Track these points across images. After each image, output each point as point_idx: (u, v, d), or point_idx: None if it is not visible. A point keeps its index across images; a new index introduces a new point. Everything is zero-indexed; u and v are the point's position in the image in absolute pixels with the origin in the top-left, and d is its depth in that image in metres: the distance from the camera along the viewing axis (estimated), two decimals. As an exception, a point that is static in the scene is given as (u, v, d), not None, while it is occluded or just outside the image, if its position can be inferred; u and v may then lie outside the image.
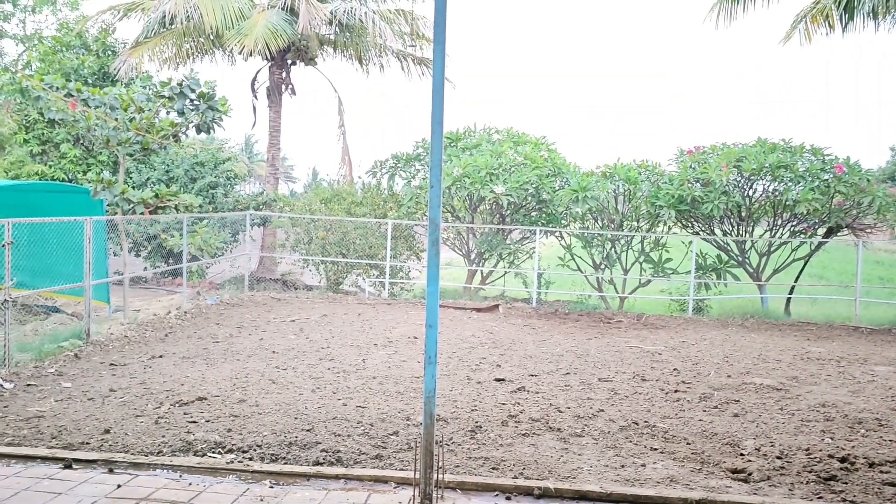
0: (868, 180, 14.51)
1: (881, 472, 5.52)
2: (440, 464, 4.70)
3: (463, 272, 16.68)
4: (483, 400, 7.19)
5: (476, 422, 6.40)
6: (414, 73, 20.41)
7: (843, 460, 5.72)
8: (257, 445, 5.57)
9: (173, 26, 18.43)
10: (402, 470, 5.13)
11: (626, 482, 5.15)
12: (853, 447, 6.09)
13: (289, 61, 20.17)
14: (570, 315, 13.50)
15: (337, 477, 5.00)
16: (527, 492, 4.84)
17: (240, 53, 18.36)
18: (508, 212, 15.38)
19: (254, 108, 20.79)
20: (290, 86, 20.38)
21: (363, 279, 16.00)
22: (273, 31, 17.72)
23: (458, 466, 5.29)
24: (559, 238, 15.76)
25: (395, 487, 4.86)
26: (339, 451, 5.48)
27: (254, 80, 20.61)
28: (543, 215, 15.41)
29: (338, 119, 21.64)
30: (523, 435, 6.13)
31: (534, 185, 14.62)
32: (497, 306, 13.79)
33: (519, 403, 7.10)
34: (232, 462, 5.21)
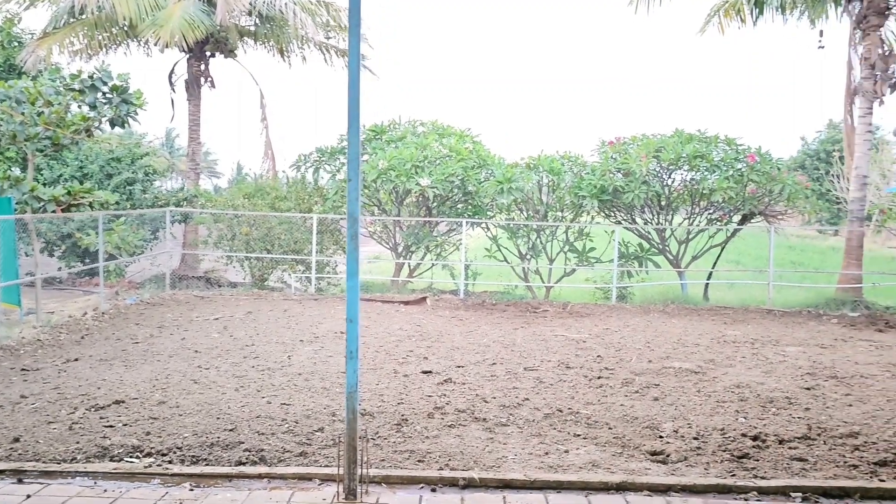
0: (779, 169, 15.15)
1: (790, 448, 5.78)
2: (365, 459, 4.67)
3: (390, 265, 16.64)
4: (410, 393, 7.19)
5: (402, 415, 6.40)
6: (337, 64, 20.22)
7: (755, 438, 5.96)
8: (177, 448, 5.42)
9: (84, 16, 17.69)
10: (327, 467, 5.08)
11: (550, 469, 5.23)
12: (765, 425, 6.35)
13: (207, 53, 19.65)
14: (497, 305, 13.63)
15: (260, 476, 4.91)
16: (452, 483, 4.86)
17: (156, 45, 17.78)
18: (435, 204, 15.41)
19: (172, 101, 20.18)
20: (210, 78, 19.87)
21: (289, 275, 15.76)
22: (190, 22, 17.22)
23: (383, 460, 5.28)
24: (485, 229, 15.88)
25: (319, 484, 4.81)
26: (262, 451, 5.39)
27: (171, 72, 19.99)
28: (469, 207, 15.50)
29: (260, 112, 21.23)
30: (449, 426, 6.15)
31: (459, 177, 14.68)
32: (425, 299, 13.82)
33: (445, 395, 7.13)
34: (150, 466, 5.06)
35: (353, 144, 4.40)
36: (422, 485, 4.84)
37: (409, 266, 16.10)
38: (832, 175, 33.13)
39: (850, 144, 16.73)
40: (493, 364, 8.64)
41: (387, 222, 15.97)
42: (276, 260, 15.57)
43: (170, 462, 5.17)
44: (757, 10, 17.29)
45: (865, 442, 5.93)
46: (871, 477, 5.19)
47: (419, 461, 5.30)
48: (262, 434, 5.78)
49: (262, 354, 8.86)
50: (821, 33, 17.12)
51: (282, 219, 15.51)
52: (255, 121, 21.45)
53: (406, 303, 13.55)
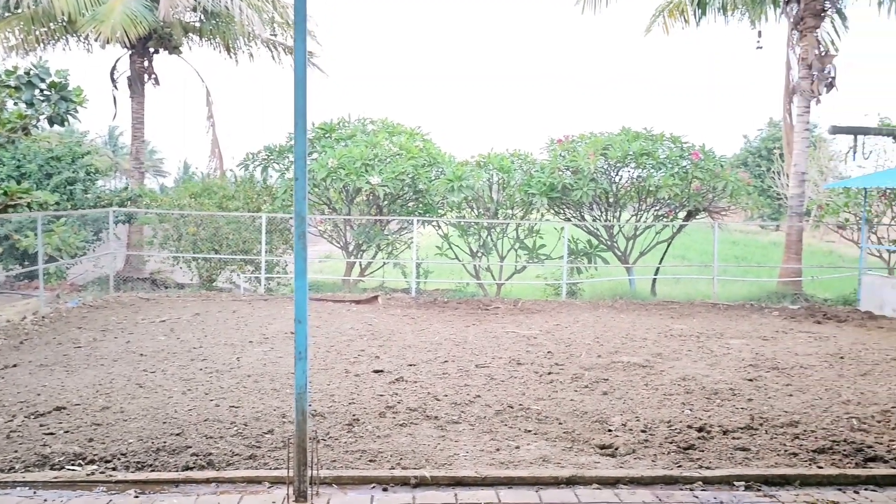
0: (722, 166, 15.52)
1: (733, 438, 5.93)
2: (315, 460, 4.63)
3: (341, 265, 16.52)
4: (361, 392, 7.15)
5: (353, 415, 6.36)
6: (285, 62, 19.97)
7: (700, 430, 6.10)
8: (122, 454, 5.29)
9: (19, 10, 17.10)
10: (277, 469, 5.02)
11: (501, 465, 5.26)
12: (709, 417, 6.50)
13: (151, 50, 19.20)
14: (448, 303, 13.66)
15: (208, 481, 4.83)
16: (403, 482, 4.85)
17: (96, 41, 17.31)
18: (385, 202, 15.35)
19: (114, 98, 19.67)
20: (154, 75, 19.42)
21: (238, 275, 15.52)
22: (132, 17, 16.80)
23: (334, 461, 5.24)
24: (436, 227, 15.89)
25: (269, 487, 4.75)
26: (210, 454, 5.29)
27: (113, 69, 19.47)
28: (420, 205, 15.49)
29: (206, 110, 20.84)
30: (401, 425, 6.14)
31: (410, 176, 14.66)
32: (376, 297, 13.76)
33: (397, 394, 7.11)
34: (93, 473, 4.92)
35: (299, 143, 4.35)
36: (373, 484, 4.83)
37: (361, 265, 16.02)
38: (773, 172, 34.08)
39: (790, 142, 17.24)
40: (445, 362, 8.65)
41: (337, 221, 15.85)
42: (225, 260, 15.32)
43: (114, 469, 5.04)
44: (700, 10, 17.69)
45: (805, 431, 6.12)
46: (810, 464, 5.36)
47: (371, 461, 5.28)
48: (210, 437, 5.68)
49: (210, 356, 8.71)
50: (759, 34, 17.60)
51: (230, 218, 15.26)
52: (202, 119, 21.00)
53: (357, 302, 13.48)
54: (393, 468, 5.12)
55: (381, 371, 8.07)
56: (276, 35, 19.67)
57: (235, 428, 5.93)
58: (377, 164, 14.65)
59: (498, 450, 5.61)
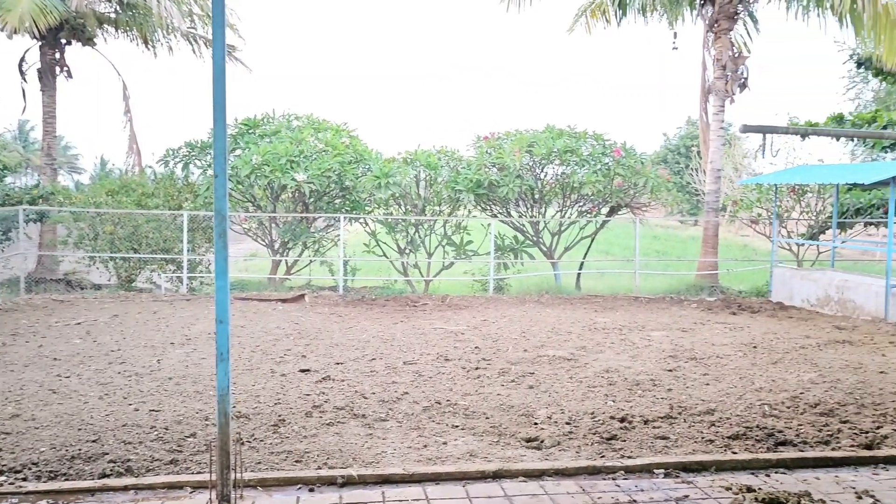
0: (642, 163, 15.96)
1: (654, 427, 6.11)
2: (239, 462, 4.54)
3: (267, 263, 16.25)
4: (287, 392, 7.05)
5: (279, 415, 6.26)
6: (206, 55, 19.45)
7: (622, 420, 6.26)
8: (33, 463, 5.06)
9: (-83, -3, 16.12)
10: (199, 473, 4.90)
11: (429, 461, 5.28)
12: (631, 407, 6.68)
13: (63, 41, 18.41)
14: (376, 301, 13.60)
15: (126, 488, 4.67)
16: (330, 482, 4.81)
17: (2, 30, 16.46)
18: (311, 199, 15.16)
19: (23, 91, 18.77)
20: (66, 68, 18.62)
21: (159, 275, 15.06)
22: (41, 6, 16.06)
23: (259, 463, 5.15)
24: (364, 224, 15.80)
25: (191, 492, 4.63)
26: (129, 461, 5.12)
27: (21, 60, 18.58)
28: (347, 202, 15.37)
29: (123, 105, 20.12)
30: (328, 424, 6.09)
31: (336, 172, 14.52)
32: (303, 296, 13.59)
33: (324, 393, 7.04)
34: (2, 485, 4.70)
35: (219, 139, 4.25)
36: (299, 485, 4.76)
37: (287, 263, 15.78)
38: (691, 169, 35.26)
39: (706, 140, 17.86)
40: (373, 359, 8.62)
41: (262, 219, 15.57)
42: (145, 260, 14.84)
43: (24, 479, 4.82)
44: (620, 11, 18.11)
45: (720, 418, 6.36)
46: (725, 450, 5.57)
47: (297, 461, 5.22)
48: (129, 443, 5.50)
49: (129, 359, 8.42)
50: (674, 35, 18.16)
51: (149, 216, 14.79)
52: (119, 114, 20.26)
53: (284, 301, 13.28)
54: (319, 468, 5.07)
55: (308, 370, 7.97)
56: (195, 28, 19.14)
57: (156, 432, 5.76)
58: (303, 161, 14.45)
59: (426, 446, 5.62)
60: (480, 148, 15.94)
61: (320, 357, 8.71)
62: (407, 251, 15.46)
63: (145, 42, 19.10)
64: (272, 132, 15.58)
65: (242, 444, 5.47)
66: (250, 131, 15.76)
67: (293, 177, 14.09)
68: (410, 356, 8.82)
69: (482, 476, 4.96)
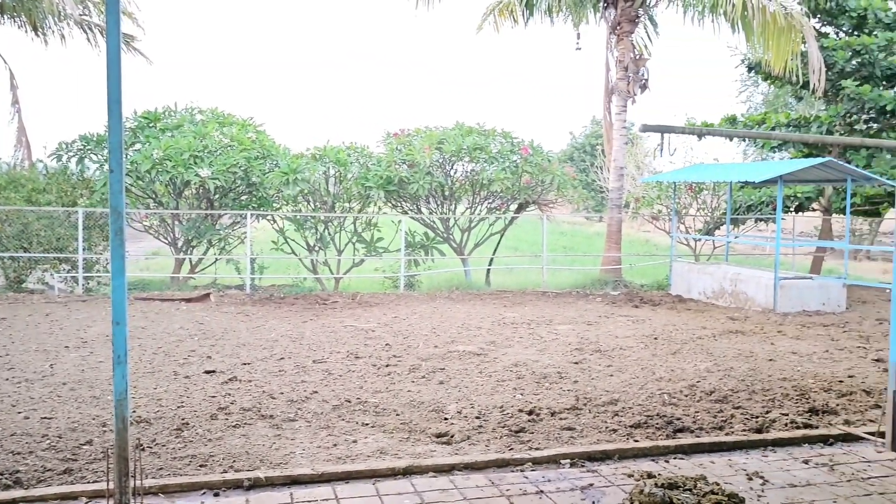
0: (549, 161, 16.31)
1: (560, 419, 6.26)
2: (139, 469, 4.36)
3: (170, 261, 15.69)
4: (191, 395, 6.83)
5: (182, 419, 6.06)
6: (103, 45, 18.54)
7: (530, 413, 6.39)
8: None
9: None
10: (96, 482, 4.69)
11: (339, 460, 5.23)
12: (539, 400, 6.82)
13: (-59, 25, 17.19)
14: (285, 299, 13.36)
15: (15, 501, 4.41)
16: (236, 485, 4.69)
17: None
18: (217, 196, 14.73)
19: None
20: (-55, 54, 17.40)
21: (51, 275, 14.28)
22: (-83, -13, 14.94)
23: (161, 469, 4.97)
24: (272, 222, 15.47)
25: (86, 503, 4.42)
26: (18, 472, 4.84)
27: None
28: (254, 199, 15.02)
29: (10, 95, 18.98)
30: (234, 427, 5.94)
31: (242, 168, 14.16)
32: (208, 295, 13.20)
33: (230, 394, 6.87)
34: None
35: (114, 132, 4.06)
36: (203, 490, 4.63)
37: (191, 262, 15.29)
38: (596, 167, 36.24)
39: (609, 139, 18.40)
40: (281, 359, 8.46)
41: (164, 216, 15.01)
42: (36, 259, 14.05)
43: None
44: (527, 11, 18.39)
45: (623, 408, 6.58)
46: (627, 438, 5.77)
47: (201, 466, 5.07)
48: (18, 454, 5.20)
49: (18, 365, 7.96)
50: (577, 36, 18.60)
51: (41, 213, 14.01)
52: (6, 105, 19.10)
53: (188, 300, 12.86)
54: (225, 471, 4.94)
55: (213, 371, 7.75)
56: (90, 15, 18.25)
57: (48, 441, 5.47)
58: (207, 156, 14.02)
59: (335, 445, 5.57)
60: (391, 144, 15.90)
61: (226, 358, 8.49)
62: (316, 248, 15.25)
63: (35, 29, 18.05)
64: (174, 126, 15.05)
65: (143, 449, 5.26)
66: (151, 125, 15.17)
67: (197, 172, 13.66)
68: (320, 355, 8.71)
69: (392, 473, 4.96)
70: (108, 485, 4.25)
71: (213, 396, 6.79)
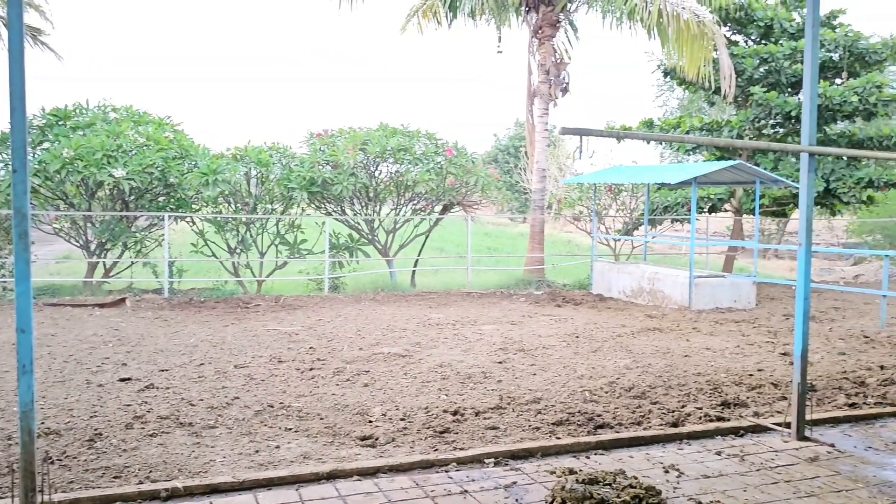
0: (473, 162, 16.45)
1: (484, 418, 6.31)
2: (47, 483, 4.17)
3: (82, 265, 15.06)
4: (105, 404, 6.57)
5: (95, 429, 5.83)
6: (6, 36, 17.68)
7: (455, 413, 6.42)
8: None
9: None
10: (1, 499, 4.45)
11: (261, 466, 5.13)
12: (464, 400, 6.86)
13: None
14: (205, 303, 13.03)
15: None
16: (153, 496, 4.54)
17: None
18: (132, 197, 14.23)
19: None
20: None
21: (-48, 281, 13.51)
22: None
23: (72, 483, 4.76)
24: (191, 223, 15.04)
25: (-10, 520, 4.20)
26: (-87, 491, 4.56)
27: None
28: (172, 200, 14.57)
29: None
30: (151, 436, 5.75)
31: (159, 168, 13.72)
32: (123, 300, 12.74)
33: (146, 402, 6.64)
34: None
35: (18, 130, 3.88)
36: (117, 503, 4.46)
37: (105, 265, 14.71)
38: (519, 168, 36.79)
39: (532, 141, 18.68)
40: (201, 364, 8.24)
41: (76, 218, 14.40)
42: (-66, 264, 13.26)
43: None
44: (451, 13, 18.49)
45: (546, 406, 6.69)
46: (550, 436, 5.87)
47: (115, 477, 4.88)
48: (-86, 471, 4.89)
49: (-86, 376, 7.50)
50: (499, 39, 18.81)
51: (-61, 216, 13.23)
52: None
53: (101, 305, 12.38)
54: (141, 482, 4.77)
55: (129, 379, 7.48)
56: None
57: (-53, 456, 5.17)
58: (121, 156, 13.52)
59: (257, 451, 5.46)
60: (314, 145, 15.72)
61: (143, 364, 8.21)
62: (238, 251, 14.92)
63: (-68, 20, 17.03)
64: (86, 124, 14.45)
65: (52, 462, 5.04)
66: (60, 123, 14.52)
67: (110, 173, 13.16)
68: (242, 359, 8.53)
69: (316, 478, 4.90)
70: (12, 501, 4.06)
71: (129, 405, 6.55)
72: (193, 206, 14.82)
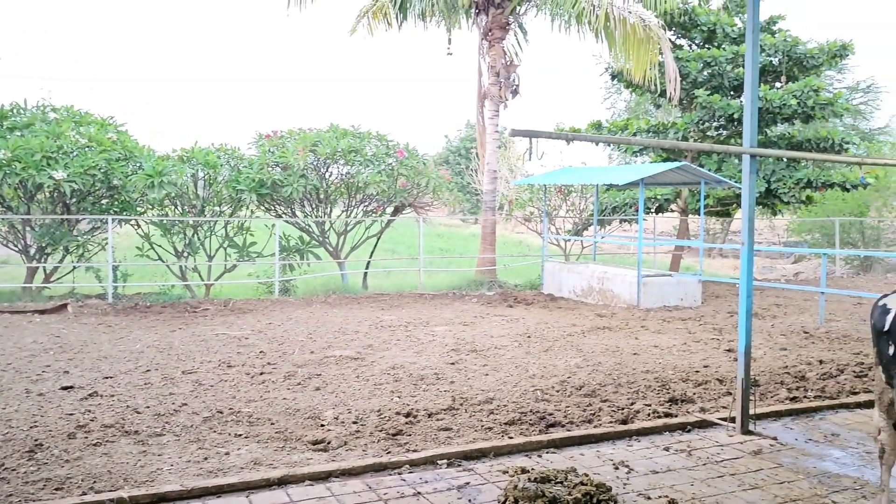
0: (424, 164, 16.45)
1: (437, 420, 6.31)
2: (-16, 497, 4.03)
3: (21, 270, 14.56)
4: (46, 413, 6.37)
5: (36, 439, 5.65)
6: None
7: (408, 415, 6.40)
8: None
9: None
10: (-66, 514, 4.29)
11: (210, 474, 5.04)
12: (416, 402, 6.85)
13: None
14: (152, 308, 12.74)
15: None
16: (97, 507, 4.42)
17: None
18: (74, 200, 13.82)
19: None
20: None
21: None
22: None
23: (11, 496, 4.61)
24: (136, 227, 14.69)
25: (-77, 537, 4.04)
26: None
27: None
28: (116, 202, 14.20)
29: None
30: (95, 445, 5.59)
31: (102, 170, 13.35)
32: (65, 306, 12.37)
33: (90, 411, 6.46)
34: None
35: (-50, 131, 3.73)
36: (60, 515, 4.33)
37: (45, 270, 14.26)
38: (471, 169, 36.89)
39: (483, 143, 18.78)
40: (147, 371, 8.06)
41: (14, 222, 13.93)
42: None
43: None
44: (401, 14, 18.46)
45: (498, 406, 6.72)
46: (502, 436, 5.90)
47: (57, 489, 4.74)
48: None
49: None
50: (449, 41, 18.86)
51: None
52: None
53: (42, 312, 12.00)
54: (84, 493, 4.64)
55: (71, 387, 7.27)
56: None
57: None
58: (62, 157, 13.12)
59: (206, 458, 5.36)
60: (263, 147, 15.51)
61: (86, 372, 7.98)
62: (185, 254, 14.63)
63: None
64: (24, 125, 13.98)
65: (-10, 475, 4.86)
66: (-3, 123, 14.02)
67: (50, 175, 12.76)
68: (190, 365, 8.37)
69: (267, 484, 4.84)
70: (-53, 516, 3.91)
71: (71, 414, 6.37)
72: (138, 208, 14.47)
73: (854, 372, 8.28)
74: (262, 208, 15.59)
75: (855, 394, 7.37)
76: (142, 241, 14.53)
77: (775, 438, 5.92)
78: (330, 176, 15.84)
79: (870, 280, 19.32)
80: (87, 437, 5.75)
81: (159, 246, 14.59)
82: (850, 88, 34.57)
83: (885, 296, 4.41)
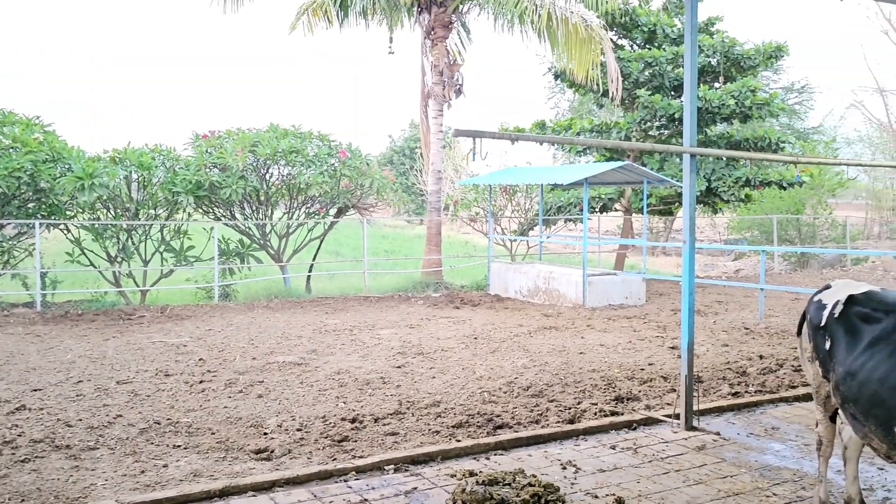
0: (368, 164, 16.27)
1: (384, 424, 6.20)
2: None
3: (-57, 279, 13.87)
4: (-32, 430, 6.02)
5: (-44, 458, 5.32)
6: None
7: (353, 420, 6.27)
8: None
9: None
10: None
11: (147, 488, 4.83)
12: (362, 407, 6.72)
13: None
14: (83, 316, 12.25)
15: None
16: (23, 528, 4.17)
17: None
18: (-1, 204, 13.22)
19: None
20: None
21: None
22: None
23: (-72, 519, 4.32)
24: (65, 231, 14.10)
25: None
26: None
27: None
28: (43, 206, 13.61)
29: None
30: (23, 461, 5.30)
31: (28, 172, 12.79)
32: (-8, 315, 11.80)
33: (17, 426, 6.13)
34: None
35: None
36: (-18, 539, 4.07)
37: (-31, 278, 13.61)
38: (415, 170, 36.79)
39: (427, 143, 18.70)
40: (79, 382, 7.72)
41: (-66, 227, 13.24)
42: None
43: None
44: (342, 12, 18.23)
45: (445, 409, 6.64)
46: (450, 439, 5.82)
47: (-21, 511, 4.46)
48: None
49: None
50: (391, 39, 18.72)
51: None
52: None
53: (-34, 322, 11.42)
54: (9, 514, 4.38)
55: (-3, 401, 6.90)
56: None
57: None
58: (-14, 160, 12.53)
59: (143, 472, 5.14)
60: (199, 147, 15.11)
61: (12, 385, 7.60)
62: (119, 259, 14.13)
63: None
64: (-56, 126, 13.32)
65: None
66: (-86, 124, 13.31)
67: (-26, 178, 12.16)
68: (125, 374, 8.05)
69: (208, 496, 4.66)
70: None
71: (-4, 429, 6.03)
72: (68, 212, 13.92)
73: (793, 366, 8.48)
74: (200, 211, 15.19)
75: (794, 388, 7.53)
76: (72, 247, 13.96)
77: (718, 433, 5.99)
78: (270, 177, 15.53)
79: (806, 276, 19.93)
80: (14, 454, 5.45)
81: (91, 251, 14.05)
82: (786, 89, 35.74)
83: (820, 291, 4.47)
